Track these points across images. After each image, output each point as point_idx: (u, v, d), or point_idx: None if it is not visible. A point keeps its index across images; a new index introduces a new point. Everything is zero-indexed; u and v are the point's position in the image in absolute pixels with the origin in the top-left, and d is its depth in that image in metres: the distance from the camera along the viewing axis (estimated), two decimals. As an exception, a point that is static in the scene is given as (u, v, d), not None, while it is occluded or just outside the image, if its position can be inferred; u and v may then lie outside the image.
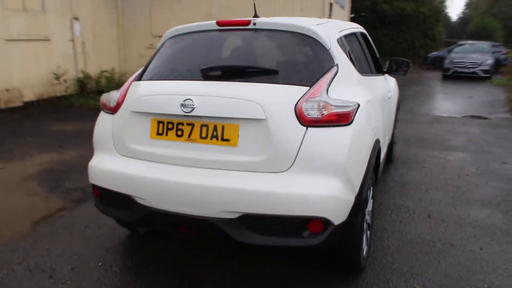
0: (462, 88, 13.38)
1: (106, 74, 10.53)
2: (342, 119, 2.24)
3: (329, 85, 2.37)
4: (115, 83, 10.54)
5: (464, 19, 44.07)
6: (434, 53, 21.79)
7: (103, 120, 2.73)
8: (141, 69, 2.89)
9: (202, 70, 2.49)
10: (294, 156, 2.20)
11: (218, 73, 2.49)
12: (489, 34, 28.86)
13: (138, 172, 2.43)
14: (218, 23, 2.73)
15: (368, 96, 2.75)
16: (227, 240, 2.28)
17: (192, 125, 2.36)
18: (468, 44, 18.41)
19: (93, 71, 10.38)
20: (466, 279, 2.74)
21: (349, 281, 2.68)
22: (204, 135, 2.33)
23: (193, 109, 2.30)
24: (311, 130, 2.21)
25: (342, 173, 2.23)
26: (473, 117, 8.56)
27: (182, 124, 2.38)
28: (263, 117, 2.23)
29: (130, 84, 2.73)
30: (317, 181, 2.19)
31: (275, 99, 2.28)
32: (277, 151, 2.21)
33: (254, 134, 2.26)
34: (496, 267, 2.87)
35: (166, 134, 2.42)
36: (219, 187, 2.23)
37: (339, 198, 2.21)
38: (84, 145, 5.86)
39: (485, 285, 2.67)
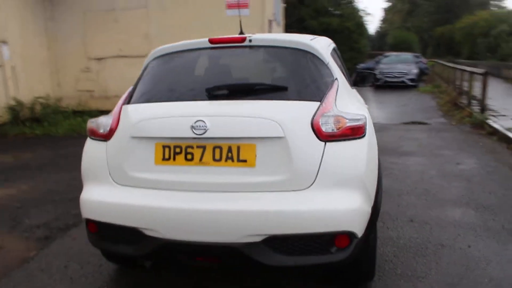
0: (394, 97, 14.26)
1: (41, 100, 9.85)
2: (356, 132, 2.25)
3: (335, 99, 2.38)
4: (51, 109, 9.91)
5: (381, 33, 47.30)
6: (362, 65, 23.06)
7: (94, 149, 2.51)
8: (127, 92, 2.71)
9: (207, 90, 2.38)
10: (316, 172, 2.16)
11: (225, 92, 2.39)
12: (408, 45, 31.21)
13: (145, 202, 2.25)
14: (211, 41, 2.64)
15: (363, 107, 2.81)
16: (253, 265, 2.17)
17: (203, 147, 2.23)
18: (393, 55, 19.77)
19: (25, 97, 9.65)
20: (467, 276, 2.85)
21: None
22: (217, 157, 2.22)
23: (205, 131, 2.19)
24: (329, 145, 2.19)
25: (362, 185, 2.23)
26: (414, 123, 9.12)
27: (192, 147, 2.25)
28: (282, 135, 2.17)
29: (120, 108, 2.55)
30: (340, 195, 2.17)
31: (291, 116, 2.23)
32: (298, 169, 2.16)
33: (273, 153, 2.19)
34: (488, 262, 3.02)
35: (174, 159, 2.27)
36: (241, 210, 2.13)
37: (361, 210, 2.21)
38: (34, 177, 5.42)
39: (486, 280, 2.80)
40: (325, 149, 2.18)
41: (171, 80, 2.65)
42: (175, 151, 2.27)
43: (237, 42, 2.62)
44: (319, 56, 2.57)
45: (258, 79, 2.56)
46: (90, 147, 2.55)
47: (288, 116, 2.23)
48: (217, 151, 2.22)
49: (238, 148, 2.20)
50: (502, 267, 2.97)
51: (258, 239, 2.11)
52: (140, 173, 2.32)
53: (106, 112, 2.75)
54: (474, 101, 9.92)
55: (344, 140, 2.22)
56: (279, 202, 2.14)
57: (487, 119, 8.05)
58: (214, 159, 2.22)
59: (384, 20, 54.63)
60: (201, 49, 2.71)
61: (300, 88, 2.41)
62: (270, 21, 11.11)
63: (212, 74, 2.66)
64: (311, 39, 2.73)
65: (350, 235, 2.16)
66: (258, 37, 2.63)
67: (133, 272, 2.98)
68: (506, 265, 3.00)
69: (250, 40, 2.58)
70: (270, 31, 11.20)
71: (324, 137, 2.19)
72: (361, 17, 28.75)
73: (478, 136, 7.43)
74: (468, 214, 3.91)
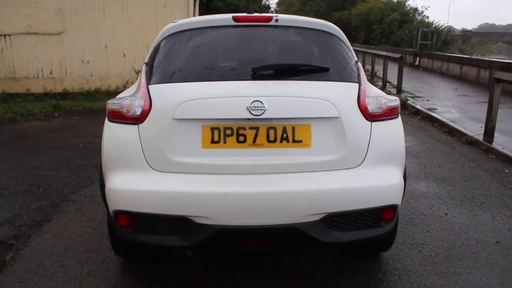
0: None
1: None
2: (393, 112, 2.39)
3: (367, 81, 2.48)
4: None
5: (282, 16, 48.54)
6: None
7: (122, 133, 2.27)
8: (144, 71, 2.48)
9: (254, 69, 2.29)
10: (365, 150, 2.26)
11: (271, 71, 2.32)
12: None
13: (196, 188, 2.12)
14: (235, 19, 2.53)
15: None
16: (310, 243, 2.20)
17: (257, 128, 2.17)
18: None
19: None
20: (457, 240, 3.20)
21: (377, 261, 2.86)
22: (272, 138, 2.18)
23: (263, 112, 2.13)
24: (374, 124, 2.31)
25: (401, 160, 2.40)
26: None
27: (244, 128, 2.17)
28: (337, 115, 2.22)
29: (147, 87, 2.34)
30: (385, 171, 2.30)
31: (342, 96, 2.28)
32: (352, 148, 2.24)
33: (327, 132, 2.22)
34: (468, 226, 3.43)
35: (225, 142, 2.17)
36: (301, 191, 2.14)
37: (401, 184, 2.36)
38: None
39: (473, 242, 3.17)
40: (372, 128, 2.29)
41: (202, 59, 2.50)
42: (226, 133, 2.17)
43: (263, 21, 2.55)
44: (342, 39, 2.63)
45: (291, 59, 2.51)
46: (116, 131, 2.30)
47: (340, 96, 2.28)
48: (272, 132, 2.18)
49: (293, 128, 2.19)
50: (479, 229, 3.38)
51: (317, 217, 2.14)
52: (186, 158, 2.18)
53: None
54: (388, 84, 10.82)
55: (385, 119, 2.36)
56: (335, 180, 2.20)
57: (407, 100, 8.86)
58: (268, 140, 2.18)
59: (280, 3, 55.97)
60: (225, 26, 2.58)
61: (338, 70, 2.45)
62: (194, 1, 10.80)
63: (246, 53, 2.54)
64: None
65: (394, 208, 2.31)
66: (284, 17, 2.59)
67: (142, 266, 2.80)
68: (482, 227, 3.42)
69: (276, 20, 2.53)
70: (194, 12, 10.90)
71: (370, 117, 2.30)
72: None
73: (404, 116, 8.16)
74: (431, 186, 4.33)
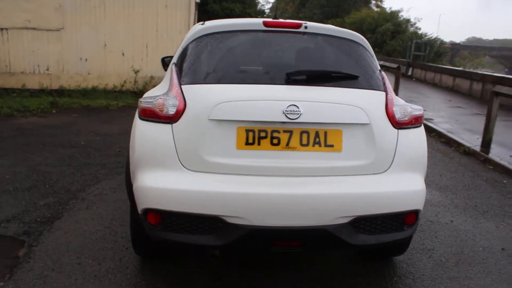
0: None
1: None
2: (418, 121, 2.49)
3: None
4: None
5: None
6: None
7: (155, 132, 2.29)
8: (175, 71, 2.50)
9: (288, 74, 2.34)
10: (392, 156, 2.35)
11: (304, 77, 2.37)
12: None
13: (230, 189, 2.16)
14: (266, 24, 2.58)
15: None
16: (338, 245, 2.26)
17: (291, 132, 2.22)
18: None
19: None
20: (464, 246, 3.28)
21: (391, 265, 2.93)
22: (305, 142, 2.23)
23: (299, 116, 2.18)
24: (401, 132, 2.39)
25: (424, 168, 2.49)
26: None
27: (278, 131, 2.22)
28: (368, 122, 2.29)
29: (180, 87, 2.36)
30: (410, 177, 2.39)
31: (371, 104, 2.36)
32: (380, 154, 2.31)
33: (358, 138, 2.29)
34: (473, 234, 3.52)
35: (259, 144, 2.21)
36: (333, 194, 2.20)
37: (424, 190, 2.43)
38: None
39: (480, 249, 3.26)
40: (399, 136, 2.37)
41: (234, 62, 2.54)
42: (260, 135, 2.21)
43: (293, 28, 2.61)
44: (368, 49, 2.71)
45: (322, 66, 2.57)
46: (148, 130, 2.31)
47: (370, 104, 2.36)
48: (305, 136, 2.23)
49: (325, 133, 2.25)
50: (485, 237, 3.47)
51: (346, 220, 2.20)
52: (220, 158, 2.21)
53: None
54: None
55: (411, 127, 2.45)
56: (364, 185, 2.27)
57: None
58: (301, 144, 2.23)
59: (273, 8, 56.12)
60: (255, 31, 2.62)
61: (366, 78, 2.52)
62: (196, 3, 10.82)
63: (275, 58, 2.59)
64: None
65: (417, 213, 2.38)
66: (313, 24, 2.66)
67: (162, 266, 2.81)
68: (487, 235, 3.51)
69: (305, 27, 2.59)
70: (195, 14, 10.92)
71: (397, 125, 2.39)
72: (260, 4, 29.52)
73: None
74: (435, 194, 4.42)
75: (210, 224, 2.17)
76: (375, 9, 35.03)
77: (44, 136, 6.04)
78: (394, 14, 29.77)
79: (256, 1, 27.71)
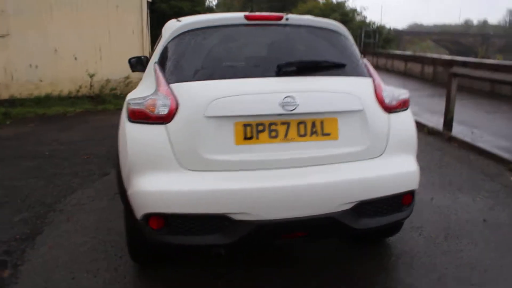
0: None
1: None
2: (405, 104, 2.56)
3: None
4: None
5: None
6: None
7: (149, 133, 2.20)
8: (158, 70, 2.42)
9: (279, 66, 2.32)
10: (386, 140, 2.40)
11: (294, 68, 2.36)
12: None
13: (233, 185, 2.12)
14: (247, 17, 2.55)
15: None
16: (343, 232, 2.30)
17: (288, 123, 2.22)
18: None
19: None
20: (451, 221, 3.42)
21: (386, 246, 3.00)
22: (302, 132, 2.23)
23: (295, 107, 2.17)
24: (391, 116, 2.45)
25: (414, 149, 2.56)
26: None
27: (276, 124, 2.20)
28: (361, 108, 2.33)
29: (168, 86, 2.28)
30: (404, 159, 2.46)
31: (363, 90, 2.40)
32: (375, 139, 2.36)
33: (353, 125, 2.32)
34: (455, 209, 3.68)
35: (257, 138, 2.19)
36: (336, 181, 2.22)
37: (418, 170, 2.51)
38: None
39: (464, 222, 3.40)
40: (390, 120, 2.42)
41: (222, 57, 2.49)
42: (258, 129, 2.19)
43: (274, 20, 2.60)
44: (349, 37, 2.76)
45: (309, 56, 2.57)
46: (141, 132, 2.22)
47: (361, 90, 2.40)
48: (302, 126, 2.23)
49: (322, 122, 2.26)
50: (466, 210, 3.65)
51: (349, 206, 2.23)
52: (219, 155, 2.16)
53: None
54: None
55: (399, 111, 2.52)
56: (363, 170, 2.30)
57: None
58: (299, 135, 2.23)
59: (220, 5, 55.78)
60: (237, 25, 2.59)
61: (352, 66, 2.55)
62: (148, 3, 10.56)
63: (264, 51, 2.56)
64: None
65: (412, 193, 2.45)
66: (294, 16, 2.66)
67: (159, 271, 2.73)
68: (468, 208, 3.69)
69: (287, 19, 2.59)
70: (148, 14, 10.66)
71: (387, 109, 2.45)
72: (208, 1, 29.23)
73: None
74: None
75: (216, 223, 2.13)
76: (320, 0, 35.63)
77: (3, 149, 5.69)
78: (340, 5, 30.46)
79: (205, -3, 27.41)
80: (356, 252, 2.99)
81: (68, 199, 3.93)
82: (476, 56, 25.92)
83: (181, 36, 2.53)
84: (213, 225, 2.13)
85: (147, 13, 10.72)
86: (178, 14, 26.02)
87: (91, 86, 9.27)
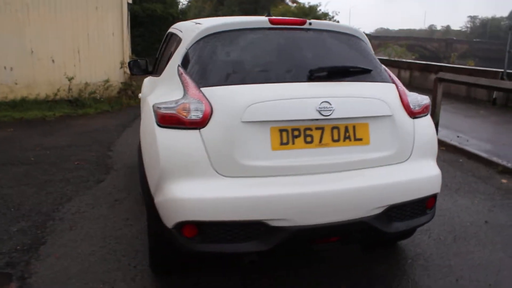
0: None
1: None
2: (427, 110, 2.62)
3: None
4: None
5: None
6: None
7: (182, 139, 2.14)
8: (185, 73, 2.36)
9: (311, 71, 2.32)
10: (412, 145, 2.44)
11: (325, 73, 2.36)
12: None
13: (271, 191, 2.09)
14: (271, 21, 2.54)
15: None
16: (374, 236, 2.33)
17: (322, 129, 2.21)
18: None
19: None
20: (454, 223, 3.51)
21: (399, 249, 3.04)
22: (336, 137, 2.24)
23: (332, 112, 2.17)
24: (416, 121, 2.50)
25: (435, 153, 2.62)
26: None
27: (311, 129, 2.20)
28: (390, 113, 2.36)
29: (199, 90, 2.23)
30: (427, 163, 2.51)
31: (390, 96, 2.44)
32: (403, 143, 2.40)
33: (383, 130, 2.35)
34: (457, 211, 3.78)
35: (293, 143, 2.17)
36: (368, 186, 2.23)
37: (440, 174, 2.56)
38: None
39: (468, 224, 3.50)
40: (415, 125, 2.47)
41: (251, 60, 2.45)
42: (294, 134, 2.17)
43: (298, 24, 2.60)
44: (367, 43, 2.80)
45: (336, 61, 2.56)
46: (173, 138, 2.16)
47: (389, 96, 2.43)
48: (335, 131, 2.23)
49: (354, 127, 2.27)
50: (467, 213, 3.76)
51: (380, 210, 2.25)
52: (256, 161, 2.13)
53: None
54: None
55: (422, 116, 2.56)
56: (392, 174, 2.33)
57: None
58: (333, 140, 2.23)
59: (191, 7, 55.34)
60: (261, 29, 2.56)
61: (376, 71, 2.57)
62: (128, 4, 10.34)
63: (291, 56, 2.52)
64: None
65: (435, 196, 2.50)
66: (316, 21, 2.67)
67: (181, 280, 2.66)
68: (468, 211, 3.81)
69: (310, 23, 2.60)
70: (128, 15, 10.45)
71: (412, 114, 2.50)
72: (181, 3, 28.97)
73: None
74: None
75: (252, 230, 2.09)
76: (292, 4, 36.01)
77: (-16, 156, 5.42)
78: (313, 9, 30.85)
79: (177, 1, 27.16)
80: (370, 256, 3.02)
81: (66, 207, 3.78)
82: (439, 61, 26.85)
83: (205, 39, 2.49)
84: (249, 232, 2.10)
85: (128, 15, 10.51)
86: (150, 16, 25.46)
87: (69, 89, 8.97)
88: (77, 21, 9.03)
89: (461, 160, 5.36)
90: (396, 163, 2.37)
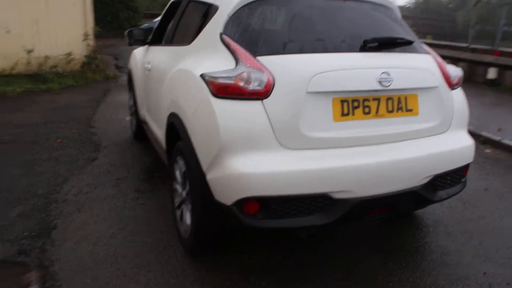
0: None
1: None
2: (460, 82, 2.65)
3: None
4: None
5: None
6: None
7: (244, 110, 2.04)
8: (234, 41, 2.23)
9: (365, 42, 2.28)
10: (452, 116, 2.50)
11: (376, 44, 2.32)
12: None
13: (335, 163, 2.07)
14: None
15: None
16: (422, 204, 2.49)
17: (378, 99, 2.21)
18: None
19: None
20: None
21: (417, 218, 3.14)
22: (390, 108, 2.24)
23: (391, 83, 2.16)
24: (454, 92, 2.56)
25: (467, 124, 2.68)
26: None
27: (368, 100, 2.18)
28: (436, 85, 2.39)
29: (254, 59, 2.12)
30: (463, 133, 2.60)
31: (434, 67, 2.46)
32: (446, 114, 2.45)
33: (430, 101, 2.38)
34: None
35: (353, 114, 2.15)
36: (419, 156, 2.27)
37: (474, 143, 2.63)
38: None
39: (470, 192, 3.67)
40: (453, 96, 2.53)
41: (305, 29, 2.34)
42: (353, 105, 2.15)
43: None
44: (398, 14, 2.77)
45: (385, 32, 2.51)
46: (233, 109, 2.05)
47: (433, 67, 2.45)
48: (390, 102, 2.24)
49: (406, 98, 2.29)
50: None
51: (428, 179, 2.30)
52: (319, 133, 2.09)
53: None
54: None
55: (457, 88, 2.61)
56: (437, 144, 2.38)
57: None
58: (388, 111, 2.24)
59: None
60: None
61: (417, 43, 2.58)
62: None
63: (340, 25, 2.41)
64: None
65: (468, 166, 2.58)
66: None
67: (222, 258, 2.59)
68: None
69: None
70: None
71: (451, 86, 2.54)
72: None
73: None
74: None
75: (316, 203, 2.06)
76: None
77: (-50, 136, 4.95)
78: None
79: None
80: (390, 224, 3.08)
81: (65, 188, 3.54)
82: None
83: (251, 6, 2.36)
84: (313, 205, 2.07)
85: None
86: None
87: (28, 63, 8.33)
88: (33, -12, 8.33)
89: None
90: (439, 134, 2.42)
